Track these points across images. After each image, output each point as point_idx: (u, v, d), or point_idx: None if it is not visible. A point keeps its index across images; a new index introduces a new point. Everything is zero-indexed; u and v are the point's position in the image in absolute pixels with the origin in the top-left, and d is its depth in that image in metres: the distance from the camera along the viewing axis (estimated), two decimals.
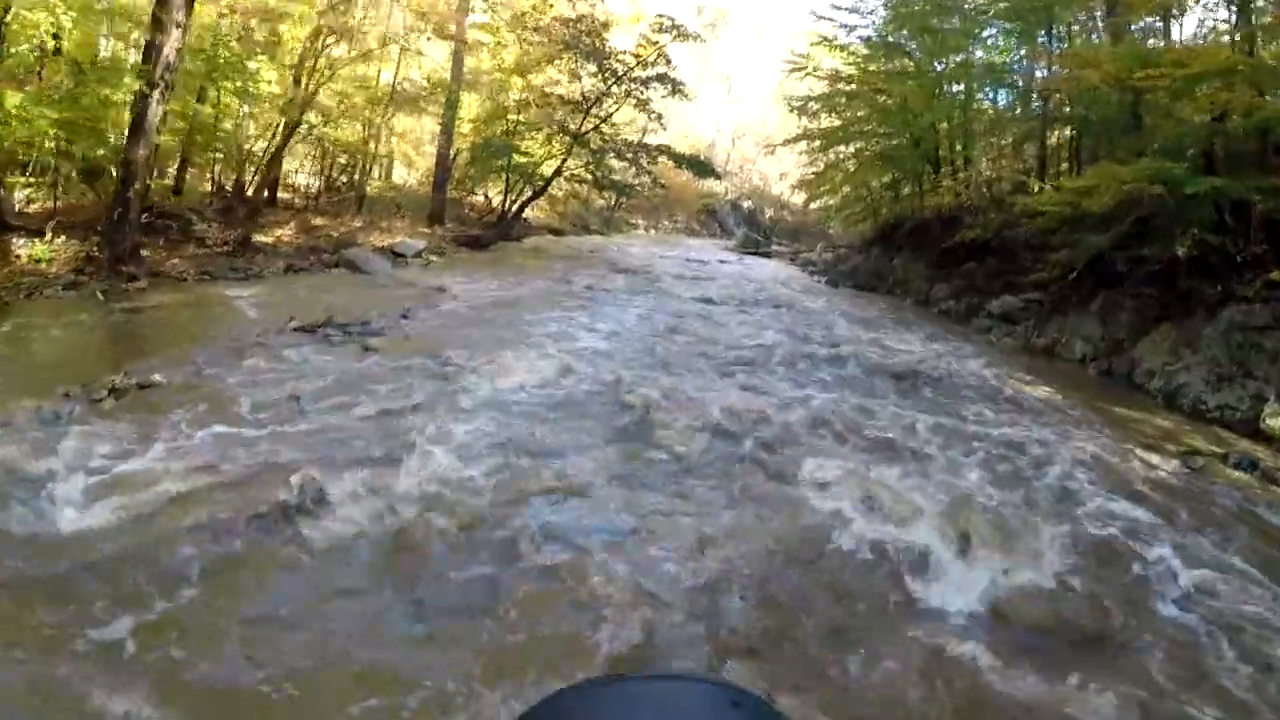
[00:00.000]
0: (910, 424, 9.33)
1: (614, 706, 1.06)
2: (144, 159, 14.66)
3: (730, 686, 1.09)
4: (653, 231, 42.38)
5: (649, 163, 28.11)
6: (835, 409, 9.66)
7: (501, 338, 12.13)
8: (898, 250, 25.63)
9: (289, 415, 7.84)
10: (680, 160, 28.50)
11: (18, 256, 13.87)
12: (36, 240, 14.25)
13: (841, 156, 29.94)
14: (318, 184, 25.55)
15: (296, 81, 20.48)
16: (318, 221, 21.33)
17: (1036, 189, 18.59)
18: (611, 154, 27.64)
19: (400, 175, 31.52)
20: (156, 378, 8.61)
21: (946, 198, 23.77)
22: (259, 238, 18.43)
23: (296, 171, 25.46)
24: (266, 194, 22.25)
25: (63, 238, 14.51)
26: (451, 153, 27.50)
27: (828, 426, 8.96)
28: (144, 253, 15.23)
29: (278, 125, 20.67)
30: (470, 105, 29.15)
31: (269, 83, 19.32)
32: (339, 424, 7.69)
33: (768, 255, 34.79)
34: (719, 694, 1.08)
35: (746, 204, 50.20)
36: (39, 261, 13.84)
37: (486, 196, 31.48)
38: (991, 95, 26.25)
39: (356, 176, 26.00)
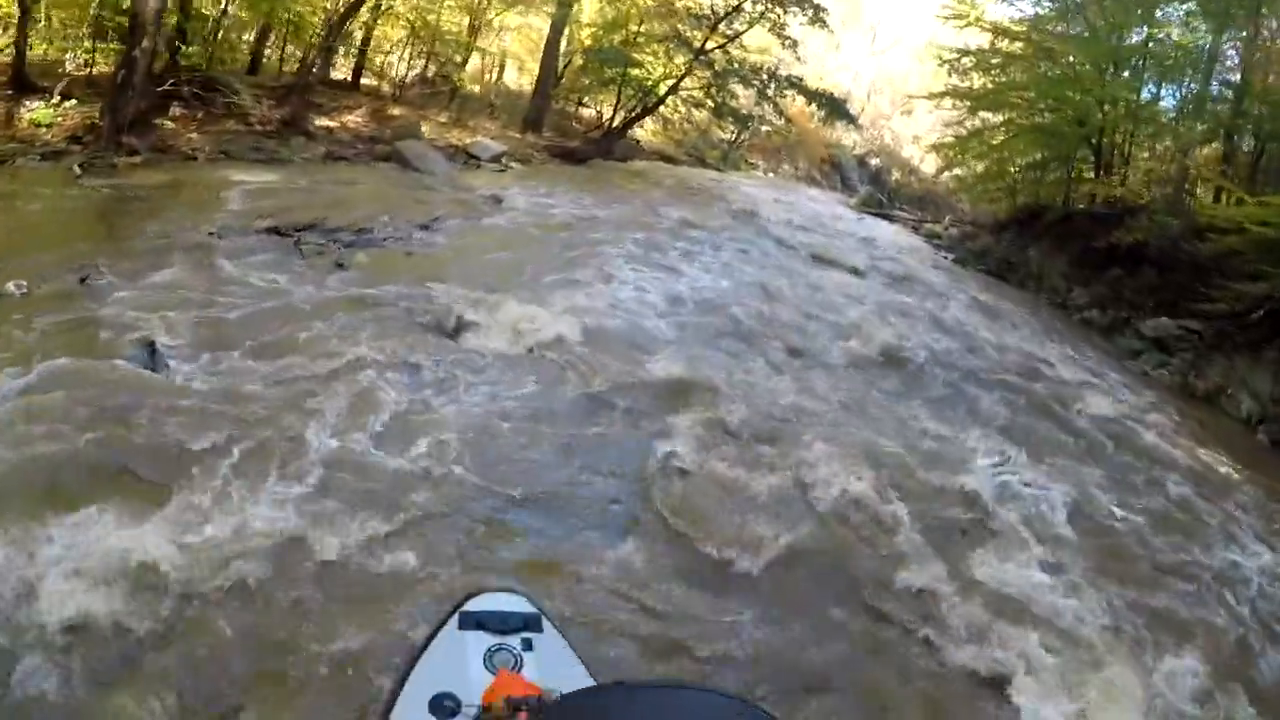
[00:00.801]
0: (1072, 499, 6.50)
1: (621, 712, 0.99)
2: (154, 13, 12.10)
3: (735, 698, 1.00)
4: (771, 175, 38.62)
5: (777, 94, 24.50)
6: (970, 459, 6.92)
7: (536, 273, 9.50)
8: (1034, 239, 22.22)
9: (131, 371, 5.10)
10: (812, 97, 24.64)
11: (19, 119, 11.98)
12: (41, 103, 12.31)
13: (988, 124, 26.03)
14: (414, 73, 22.63)
15: None
16: (397, 111, 18.57)
17: (1224, 199, 15.37)
18: (735, 78, 24.07)
19: (512, 79, 28.41)
20: (10, 287, 6.02)
21: (1108, 190, 20.15)
22: (323, 121, 15.92)
23: (388, 54, 22.44)
24: (350, 77, 19.78)
25: (73, 101, 12.45)
26: (561, 57, 24.35)
27: (956, 500, 6.05)
28: (167, 122, 13.16)
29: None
30: (589, 9, 25.77)
31: None
32: (177, 400, 4.91)
33: (889, 219, 31.04)
34: (725, 705, 0.98)
35: (874, 161, 46.02)
36: (39, 125, 11.90)
37: (598, 111, 28.23)
38: (1155, 88, 22.26)
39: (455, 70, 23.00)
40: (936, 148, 30.08)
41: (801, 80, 24.44)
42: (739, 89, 25.24)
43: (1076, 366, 11.89)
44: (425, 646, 1.49)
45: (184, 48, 14.23)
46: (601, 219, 13.77)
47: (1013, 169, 26.14)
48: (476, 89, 25.44)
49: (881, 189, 41.16)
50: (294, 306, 6.75)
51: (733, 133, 32.88)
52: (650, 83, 23.92)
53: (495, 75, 27.25)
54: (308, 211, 9.67)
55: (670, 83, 23.56)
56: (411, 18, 19.45)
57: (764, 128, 30.23)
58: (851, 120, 27.78)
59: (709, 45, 22.72)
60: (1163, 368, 14.01)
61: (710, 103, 24.68)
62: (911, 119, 45.20)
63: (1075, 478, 6.99)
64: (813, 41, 25.40)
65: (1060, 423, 8.65)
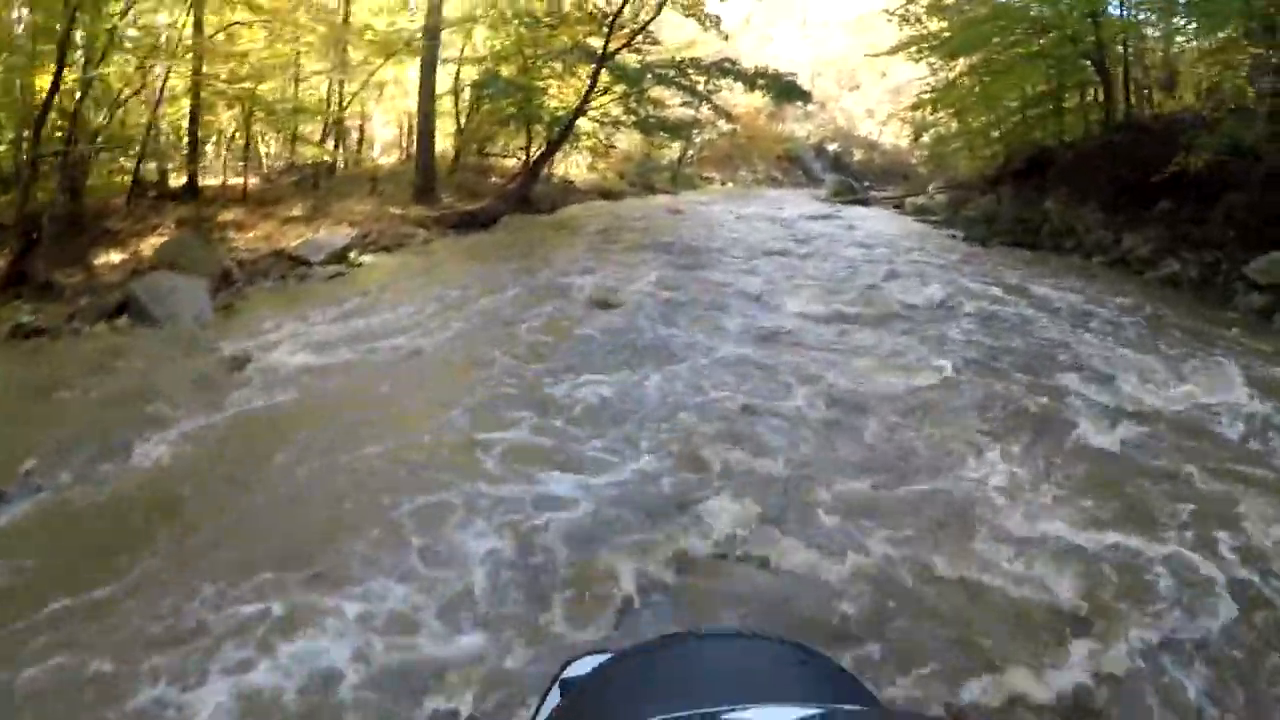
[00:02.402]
0: None
1: (676, 663, 0.86)
2: None
3: (797, 645, 0.86)
4: (729, 185, 33.80)
5: (710, 88, 19.32)
6: None
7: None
8: (1044, 189, 17.67)
9: None
10: (750, 80, 19.05)
11: None
12: None
13: (958, 71, 20.98)
14: (280, 163, 17.67)
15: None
16: (229, 216, 13.38)
17: None
18: (652, 79, 18.77)
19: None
20: None
21: (1155, 108, 15.65)
22: (106, 256, 10.66)
23: (232, 142, 17.12)
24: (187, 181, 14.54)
25: None
26: (459, 102, 19.29)
27: None
28: None
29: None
30: (479, 40, 20.59)
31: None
32: None
33: (866, 203, 26.16)
34: (786, 652, 0.86)
35: (832, 147, 41.36)
36: None
37: (519, 157, 22.75)
38: None
39: (325, 146, 17.88)
40: (914, 108, 24.43)
41: (735, 62, 19.09)
42: (668, 96, 20.29)
43: (1240, 378, 7.11)
44: (534, 717, 0.99)
45: None
46: (447, 341, 8.15)
47: (999, 116, 21.10)
48: (386, 160, 20.57)
49: (845, 172, 37.11)
50: None
51: (674, 149, 27.82)
52: (562, 111, 18.80)
53: (405, 142, 21.95)
54: None
55: (579, 103, 18.35)
56: (232, 93, 14.16)
57: (705, 136, 25.19)
58: (804, 97, 22.21)
59: (611, 48, 17.53)
60: None
61: (630, 117, 19.47)
62: (860, 94, 41.97)
63: None
64: (744, 39, 20.02)
65: None
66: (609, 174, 26.48)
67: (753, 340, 8.28)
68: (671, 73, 18.47)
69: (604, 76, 17.64)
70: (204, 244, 11.18)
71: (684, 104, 20.68)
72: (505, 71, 18.56)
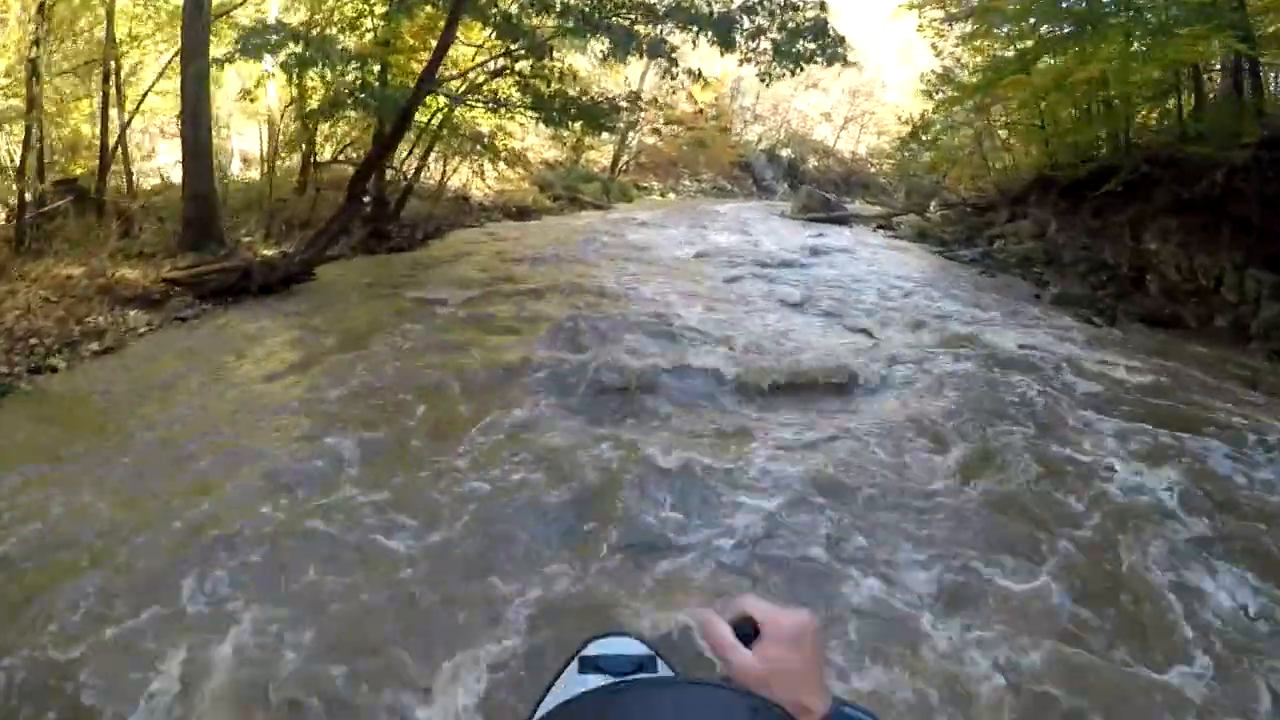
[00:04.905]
0: None
1: (628, 713, 0.84)
2: None
3: (749, 694, 0.86)
4: (670, 195, 26.94)
5: (655, 29, 10.07)
6: None
7: None
8: (1097, 215, 12.00)
9: None
10: (725, 29, 9.53)
11: None
12: None
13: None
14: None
15: None
16: None
17: None
18: (553, 23, 10.02)
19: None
20: None
21: None
22: None
23: None
24: None
25: None
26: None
27: None
28: None
29: None
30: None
31: None
32: None
33: (845, 223, 19.32)
34: (738, 700, 0.85)
35: (784, 153, 34.47)
36: None
37: (404, 163, 14.79)
38: None
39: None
40: (953, 97, 16.66)
41: None
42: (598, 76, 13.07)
43: None
44: (549, 688, 1.18)
45: None
46: None
47: (1042, 108, 14.34)
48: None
49: (800, 181, 30.75)
50: None
51: (609, 151, 20.68)
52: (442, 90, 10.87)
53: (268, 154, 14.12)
54: None
55: (446, 68, 10.20)
56: None
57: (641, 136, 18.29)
58: (841, 58, 10.55)
59: None
60: None
61: (521, 96, 11.29)
62: (814, 95, 35.62)
63: None
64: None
65: None
66: (523, 185, 19.34)
67: None
68: (588, 8, 9.73)
69: (475, 30, 10.27)
70: None
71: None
72: (352, 42, 11.19)
